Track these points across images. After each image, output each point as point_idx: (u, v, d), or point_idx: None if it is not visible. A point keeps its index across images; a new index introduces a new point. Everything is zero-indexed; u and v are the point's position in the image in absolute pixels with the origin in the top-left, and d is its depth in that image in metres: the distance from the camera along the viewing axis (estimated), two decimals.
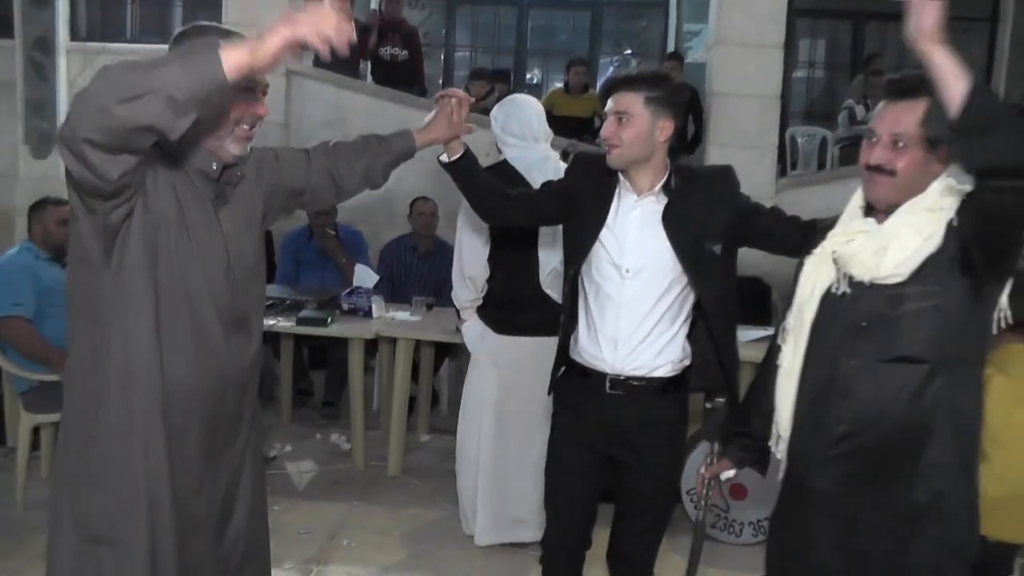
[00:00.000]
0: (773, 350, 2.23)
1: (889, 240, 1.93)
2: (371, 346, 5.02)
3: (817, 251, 2.10)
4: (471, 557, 3.79)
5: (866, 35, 9.57)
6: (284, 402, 5.45)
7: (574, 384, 2.65)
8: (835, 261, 2.04)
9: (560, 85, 8.10)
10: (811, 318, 2.09)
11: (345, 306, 4.81)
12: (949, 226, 1.89)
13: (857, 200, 2.08)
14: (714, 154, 6.81)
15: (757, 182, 6.40)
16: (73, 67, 9.40)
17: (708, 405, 2.29)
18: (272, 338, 5.36)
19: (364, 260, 5.72)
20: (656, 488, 2.64)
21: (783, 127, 7.64)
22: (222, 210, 2.00)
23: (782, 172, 7.39)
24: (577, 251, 2.59)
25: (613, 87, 2.49)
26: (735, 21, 6.78)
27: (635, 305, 2.50)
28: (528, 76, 10.32)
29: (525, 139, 3.58)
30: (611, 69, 10.20)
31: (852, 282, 2.01)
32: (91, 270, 1.86)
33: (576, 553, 2.77)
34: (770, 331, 3.37)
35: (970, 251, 1.86)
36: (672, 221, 2.49)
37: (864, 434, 1.99)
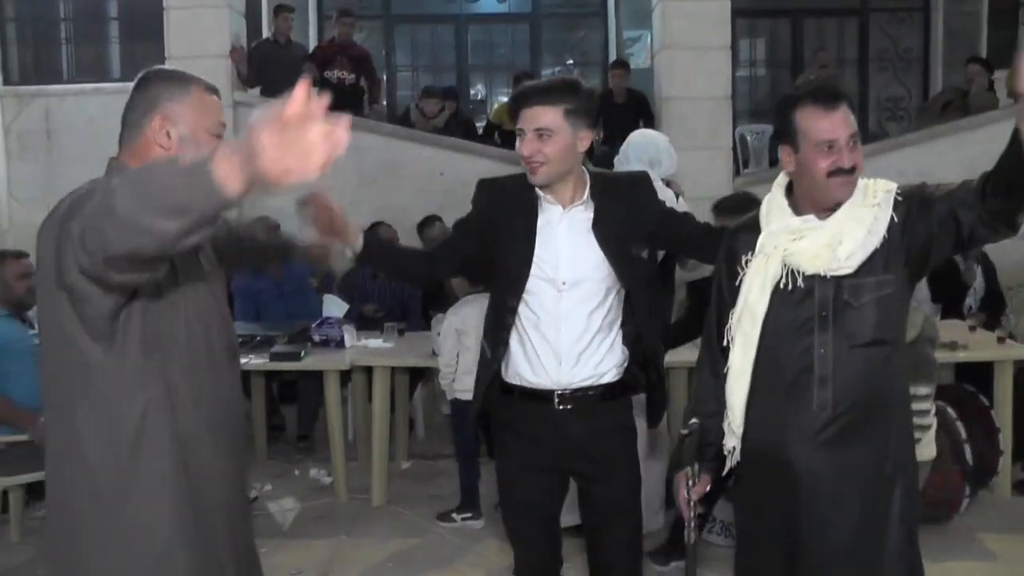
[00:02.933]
0: (712, 354, 2.31)
1: (841, 234, 2.09)
2: (343, 376, 4.95)
3: (761, 251, 2.18)
4: None
5: (804, 32, 9.74)
6: (259, 439, 5.34)
7: (518, 409, 2.55)
8: (784, 258, 2.14)
9: (506, 99, 8.10)
10: (762, 315, 2.17)
11: (316, 338, 4.74)
12: (892, 222, 2.09)
13: (780, 202, 2.20)
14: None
15: (714, 182, 6.46)
16: (8, 112, 9.20)
17: (685, 432, 2.25)
18: (242, 376, 5.25)
19: (328, 277, 5.74)
20: (627, 493, 2.59)
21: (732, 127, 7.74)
22: (200, 255, 1.98)
23: (736, 171, 7.47)
24: (515, 279, 2.48)
25: (527, 101, 2.39)
26: (679, 25, 6.86)
27: (574, 317, 2.45)
28: (472, 92, 10.31)
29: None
30: None
31: (804, 276, 2.12)
32: (86, 343, 1.76)
33: None
34: None
35: (924, 252, 2.09)
36: (601, 229, 2.46)
37: (847, 414, 2.12)
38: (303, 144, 1.25)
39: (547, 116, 2.36)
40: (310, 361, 4.53)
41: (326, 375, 4.59)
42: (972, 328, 4.79)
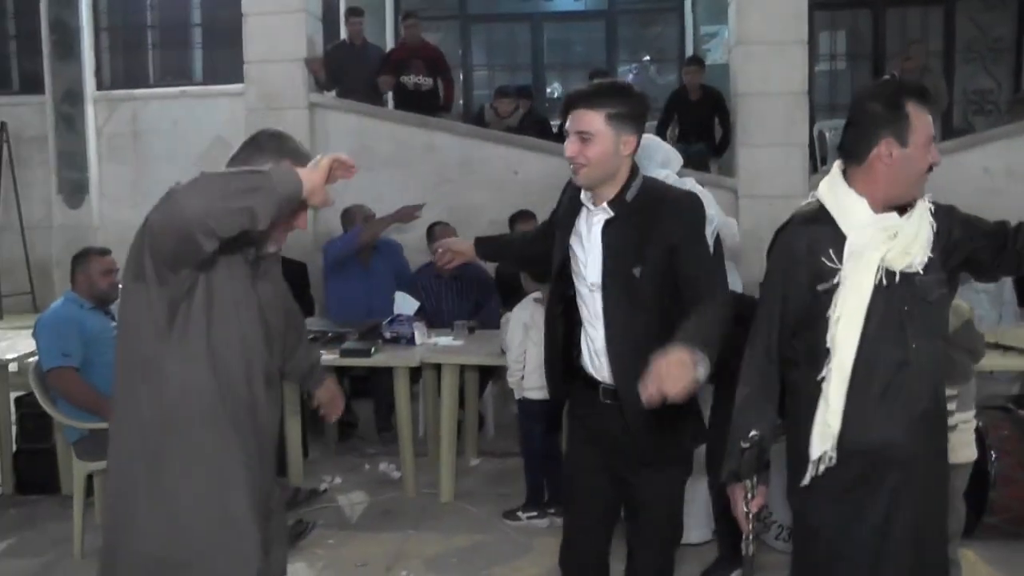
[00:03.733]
0: (766, 365, 2.25)
1: (918, 232, 2.15)
2: (414, 373, 5.01)
3: (858, 250, 2.14)
4: None
5: (887, 23, 9.45)
6: (329, 435, 5.45)
7: (580, 395, 2.66)
8: (883, 257, 2.14)
9: None
10: (864, 315, 2.14)
11: (387, 335, 4.81)
12: (938, 233, 2.19)
13: (854, 197, 2.18)
14: (744, 155, 6.75)
15: (790, 180, 6.34)
16: (100, 115, 9.55)
17: (745, 445, 2.20)
18: None
19: (402, 267, 5.89)
20: (655, 498, 2.60)
21: (810, 122, 7.57)
22: (258, 285, 2.21)
23: (813, 168, 7.31)
24: (556, 276, 2.61)
25: (573, 104, 2.44)
26: (755, 20, 6.73)
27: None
28: (548, 90, 10.31)
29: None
30: (630, 76, 10.17)
31: (890, 274, 2.14)
32: (153, 332, 2.02)
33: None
34: None
35: (952, 268, 2.23)
36: (610, 234, 2.47)
37: (935, 405, 2.25)
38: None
39: (590, 120, 2.40)
40: (380, 358, 4.60)
41: (396, 372, 4.65)
42: None
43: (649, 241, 2.42)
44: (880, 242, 2.14)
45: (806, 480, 2.22)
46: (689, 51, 9.59)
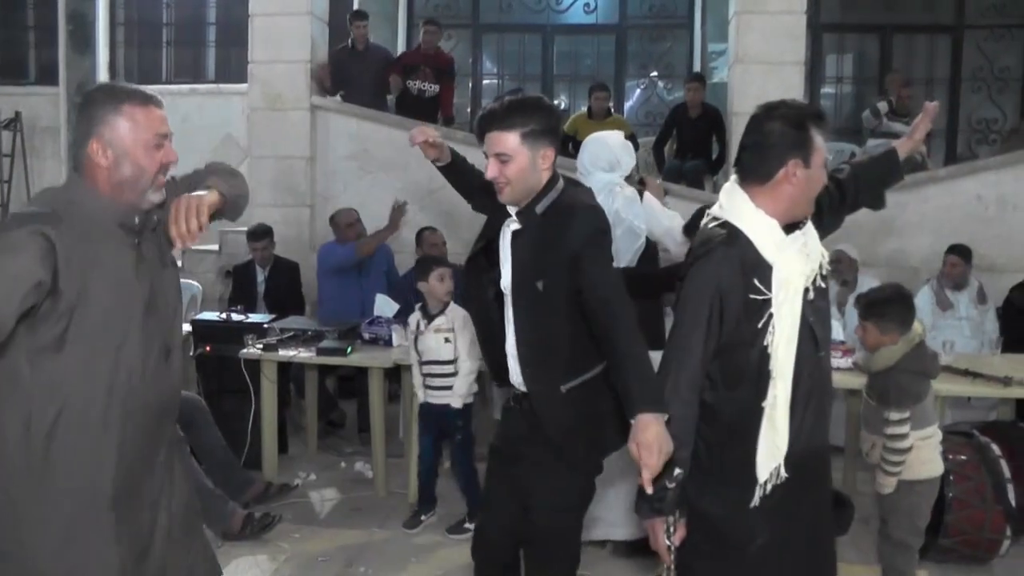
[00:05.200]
0: (691, 391, 2.20)
1: (815, 245, 2.25)
2: (396, 374, 5.08)
3: (785, 275, 2.16)
4: None
5: (893, 48, 9.47)
6: (310, 432, 5.52)
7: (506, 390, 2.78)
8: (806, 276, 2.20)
9: (584, 110, 8.13)
10: (797, 337, 2.17)
11: (366, 335, 4.89)
12: None
13: (767, 219, 2.19)
14: None
15: None
16: None
17: (671, 484, 2.21)
18: (297, 370, 5.46)
19: (392, 269, 6.04)
20: (540, 502, 2.63)
21: None
22: (142, 252, 2.11)
23: None
24: (480, 243, 2.72)
25: (487, 127, 2.48)
26: (753, 39, 6.79)
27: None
28: (555, 102, 10.38)
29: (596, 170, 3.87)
30: (638, 92, 10.22)
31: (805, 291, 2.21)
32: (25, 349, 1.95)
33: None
34: None
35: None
36: (517, 246, 2.52)
37: (830, 409, 2.39)
38: None
39: (504, 141, 2.45)
40: (356, 357, 4.68)
41: (370, 372, 4.72)
42: None
43: (551, 254, 2.45)
44: (802, 264, 2.18)
45: (755, 501, 2.21)
46: (697, 68, 9.63)
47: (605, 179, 3.81)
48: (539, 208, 2.50)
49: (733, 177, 2.29)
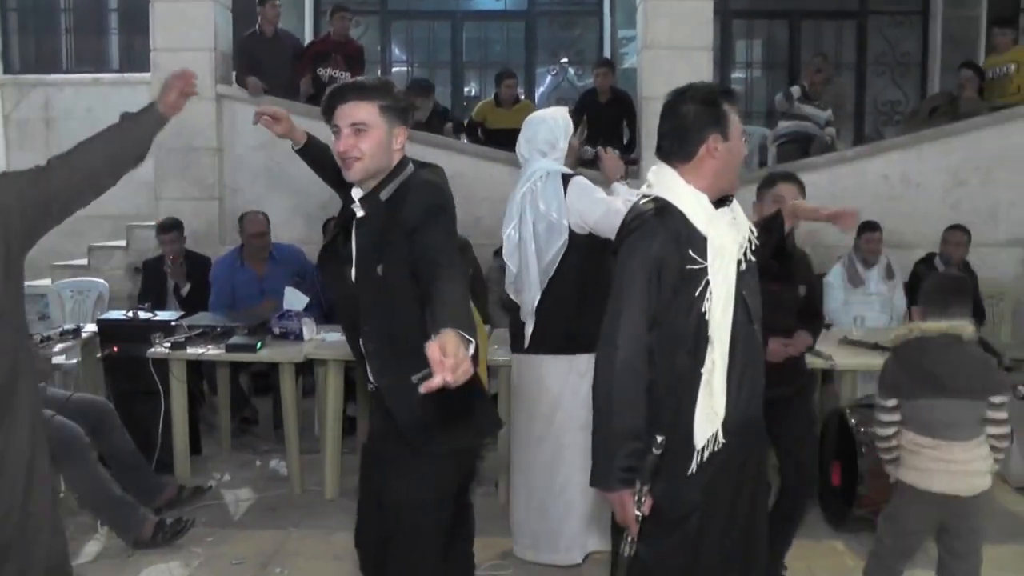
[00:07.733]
0: (642, 363, 2.20)
1: (743, 220, 2.35)
2: (309, 368, 4.97)
3: (718, 244, 2.23)
4: None
5: (802, 34, 9.65)
6: (223, 431, 5.37)
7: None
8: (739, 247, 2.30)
9: (492, 97, 8.06)
10: (732, 305, 2.26)
11: (276, 330, 4.76)
12: None
13: (699, 195, 2.28)
14: (649, 158, 6.78)
15: None
16: (8, 101, 9.30)
17: (658, 452, 2.19)
18: (209, 367, 5.30)
19: (308, 276, 5.65)
20: (392, 499, 2.56)
21: None
22: None
23: None
24: (333, 232, 2.61)
25: (344, 97, 2.40)
26: (661, 25, 6.79)
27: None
28: (466, 89, 10.30)
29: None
30: (548, 79, 10.21)
31: (738, 262, 2.29)
32: None
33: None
34: None
35: None
36: (360, 233, 2.45)
37: (763, 379, 2.39)
38: None
39: (363, 111, 2.38)
40: (265, 353, 4.55)
41: (282, 367, 4.60)
42: None
43: (389, 235, 2.37)
44: (735, 234, 2.28)
45: (693, 468, 2.25)
46: (607, 54, 9.65)
47: (544, 166, 3.64)
48: (384, 194, 2.41)
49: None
